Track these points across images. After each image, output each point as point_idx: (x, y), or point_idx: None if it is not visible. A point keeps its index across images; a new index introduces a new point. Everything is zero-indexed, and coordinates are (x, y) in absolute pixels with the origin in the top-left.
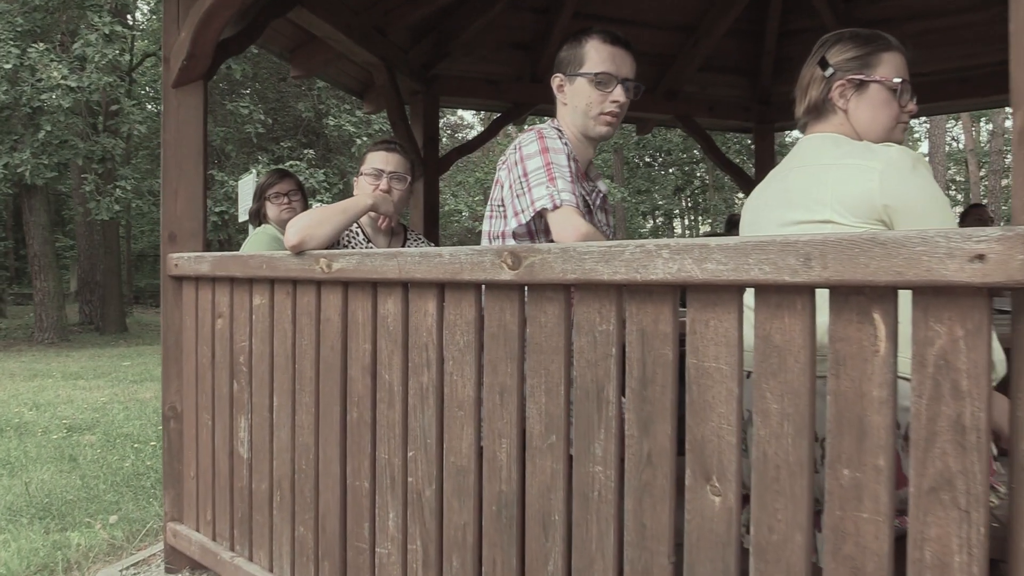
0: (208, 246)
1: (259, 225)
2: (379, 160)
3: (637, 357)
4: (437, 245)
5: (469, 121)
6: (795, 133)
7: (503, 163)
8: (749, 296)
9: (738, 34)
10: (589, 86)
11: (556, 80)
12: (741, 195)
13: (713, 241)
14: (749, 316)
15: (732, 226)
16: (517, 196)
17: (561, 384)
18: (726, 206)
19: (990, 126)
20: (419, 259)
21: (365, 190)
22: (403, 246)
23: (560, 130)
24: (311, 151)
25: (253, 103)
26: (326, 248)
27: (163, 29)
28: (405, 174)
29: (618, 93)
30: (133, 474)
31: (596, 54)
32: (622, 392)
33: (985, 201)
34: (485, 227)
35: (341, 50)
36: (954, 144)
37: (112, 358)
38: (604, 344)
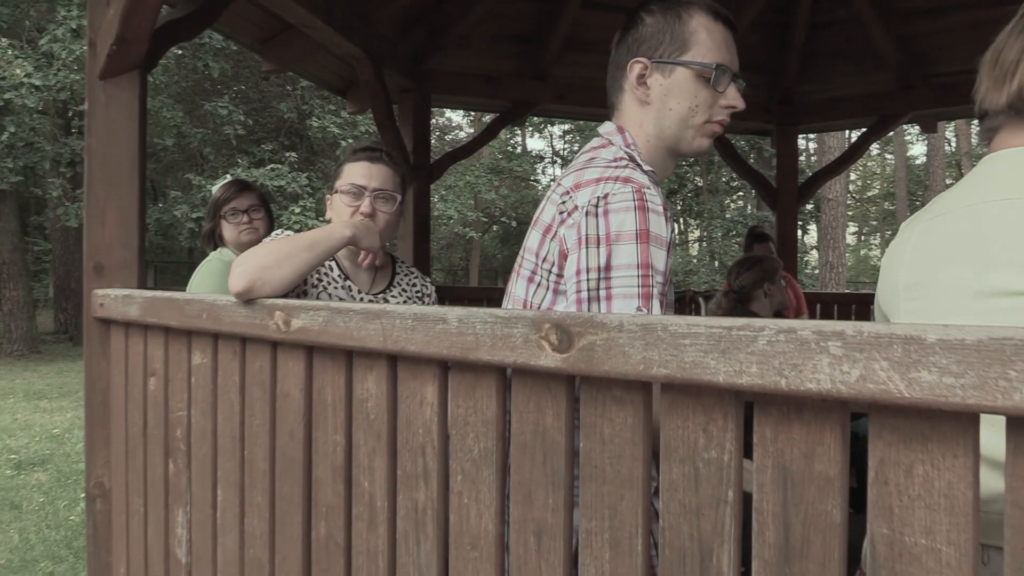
0: (190, 255)
1: (214, 248)
2: (360, 173)
3: (775, 510)
4: (428, 260)
5: (458, 122)
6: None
7: (567, 211)
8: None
9: (762, 26)
10: (697, 82)
11: (637, 67)
12: (741, 200)
13: (932, 332)
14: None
15: (756, 240)
16: (584, 291)
17: (638, 535)
18: (720, 209)
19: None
20: (413, 323)
21: (341, 213)
22: (390, 286)
23: (647, 171)
24: (294, 154)
25: (233, 103)
26: (285, 295)
27: (88, 3)
28: (394, 191)
29: (735, 95)
30: (79, 529)
31: (709, 37)
32: (744, 562)
33: None
34: (517, 289)
35: (320, 40)
36: (947, 148)
37: (81, 372)
38: (715, 481)
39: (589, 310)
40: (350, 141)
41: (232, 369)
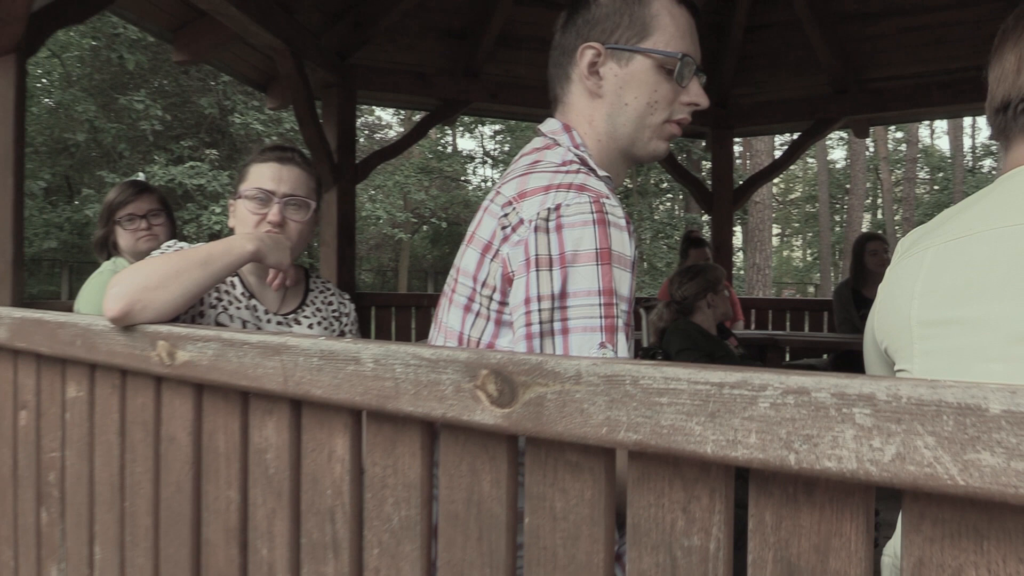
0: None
1: (107, 258)
2: (268, 176)
3: None
4: (352, 266)
5: (388, 120)
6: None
7: (511, 226)
8: None
9: (698, 27)
10: (658, 73)
11: (589, 53)
12: (670, 202)
13: (996, 400)
14: None
15: (691, 245)
16: (535, 324)
17: None
18: (649, 211)
19: (900, 134)
20: (319, 362)
21: (246, 222)
22: (302, 305)
23: (603, 176)
24: (215, 151)
25: (150, 97)
26: (173, 319)
27: None
28: (307, 197)
29: (698, 91)
30: None
31: (672, 22)
32: None
33: (898, 208)
34: (451, 320)
35: (236, 30)
36: (867, 152)
37: None
38: (696, 574)
39: (542, 347)
40: (274, 138)
41: (111, 405)
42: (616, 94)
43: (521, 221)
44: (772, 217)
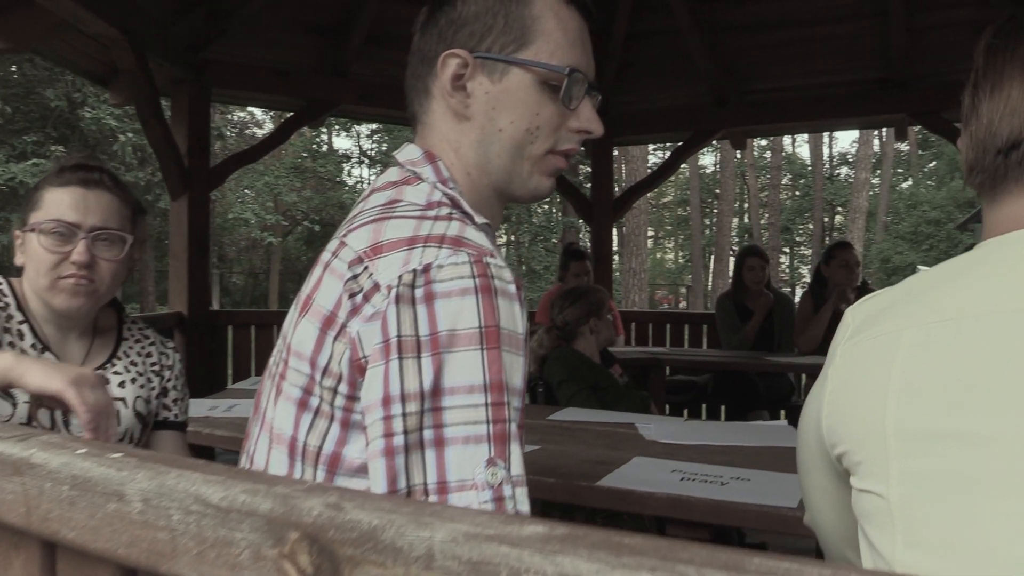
0: None
1: None
2: (70, 204)
3: None
4: (207, 282)
5: (261, 117)
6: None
7: (362, 293)
8: None
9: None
10: (540, 92)
11: (453, 64)
12: (547, 204)
13: None
14: None
15: (571, 258)
16: (398, 434)
17: None
18: (528, 214)
19: (764, 142)
20: (71, 492)
21: (40, 261)
22: (113, 358)
23: (481, 224)
24: (62, 147)
25: None
26: None
27: None
28: (120, 230)
29: (591, 115)
30: None
31: (559, 26)
32: None
33: (763, 212)
34: (279, 418)
35: (66, 17)
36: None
37: None
38: None
39: (407, 467)
40: (130, 135)
41: None
42: (487, 116)
43: (376, 287)
44: (647, 221)
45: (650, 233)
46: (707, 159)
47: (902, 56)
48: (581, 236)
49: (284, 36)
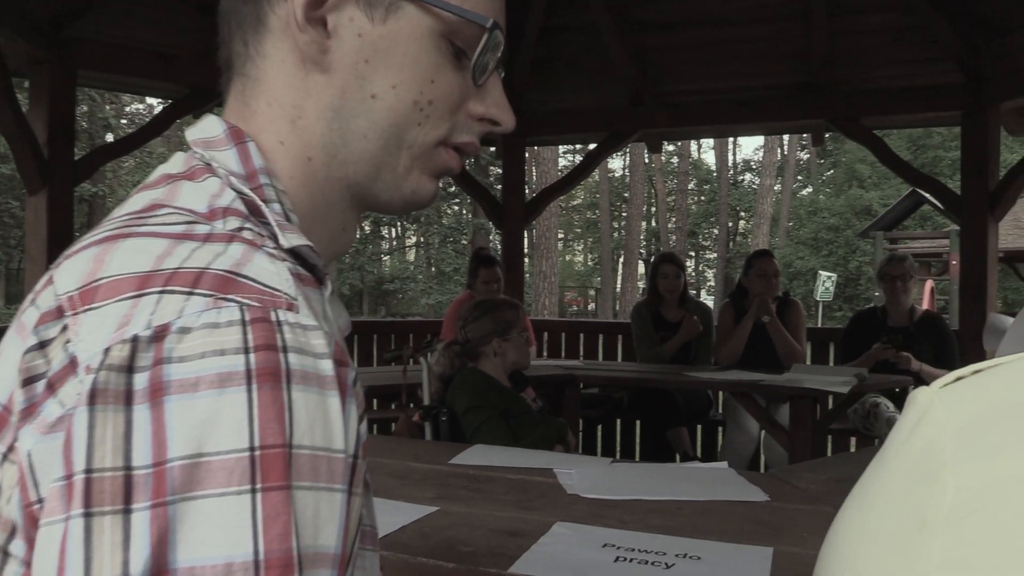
0: None
1: None
2: None
3: None
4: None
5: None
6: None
7: (46, 378)
8: None
9: None
10: (439, 50)
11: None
12: (458, 206)
13: None
14: None
15: (481, 264)
16: None
17: None
18: (438, 215)
19: (672, 147)
20: None
21: None
22: None
23: (300, 247)
24: None
25: None
26: None
27: None
28: None
29: (500, 98)
30: None
31: None
32: None
33: (671, 216)
34: None
35: None
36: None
37: None
38: None
39: None
40: None
41: None
42: (356, 72)
43: (72, 366)
44: (557, 224)
45: (560, 235)
46: (616, 163)
47: (822, 61)
48: (492, 239)
49: (166, 15)
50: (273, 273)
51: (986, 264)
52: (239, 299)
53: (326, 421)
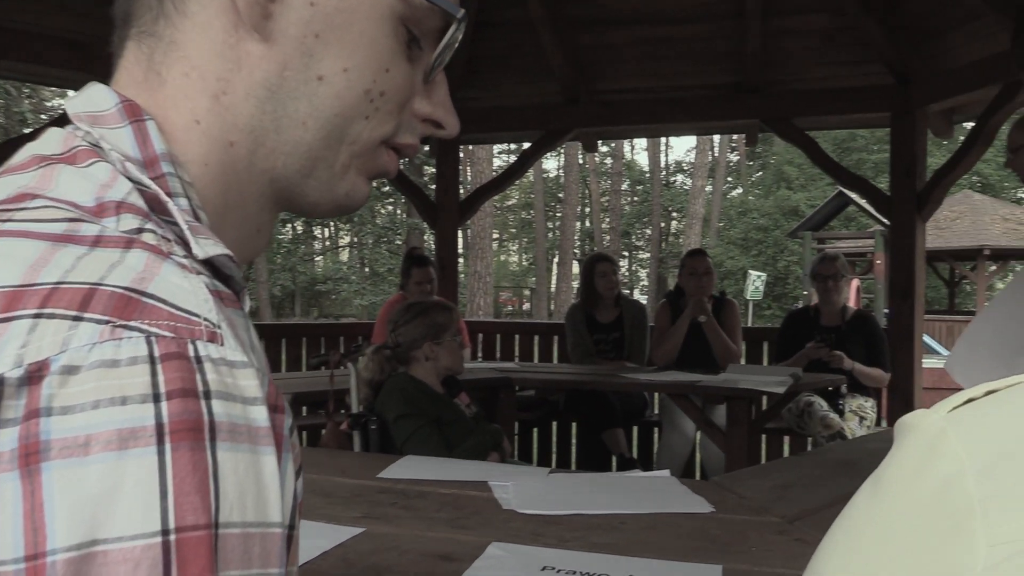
0: None
1: None
2: None
3: None
4: None
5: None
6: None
7: None
8: None
9: None
10: (397, 37)
11: None
12: (391, 205)
13: None
14: None
15: (413, 264)
16: None
17: None
18: (371, 215)
19: (606, 148)
20: None
21: None
22: None
23: (217, 256)
24: None
25: None
26: None
27: None
28: None
29: (445, 98)
30: None
31: None
32: None
33: (605, 217)
34: None
35: None
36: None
37: None
38: None
39: None
40: None
41: None
42: (302, 47)
43: None
44: (492, 223)
45: (495, 235)
46: (551, 163)
47: (756, 61)
48: (427, 238)
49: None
50: (187, 291)
51: (914, 264)
52: (145, 327)
53: (260, 488)
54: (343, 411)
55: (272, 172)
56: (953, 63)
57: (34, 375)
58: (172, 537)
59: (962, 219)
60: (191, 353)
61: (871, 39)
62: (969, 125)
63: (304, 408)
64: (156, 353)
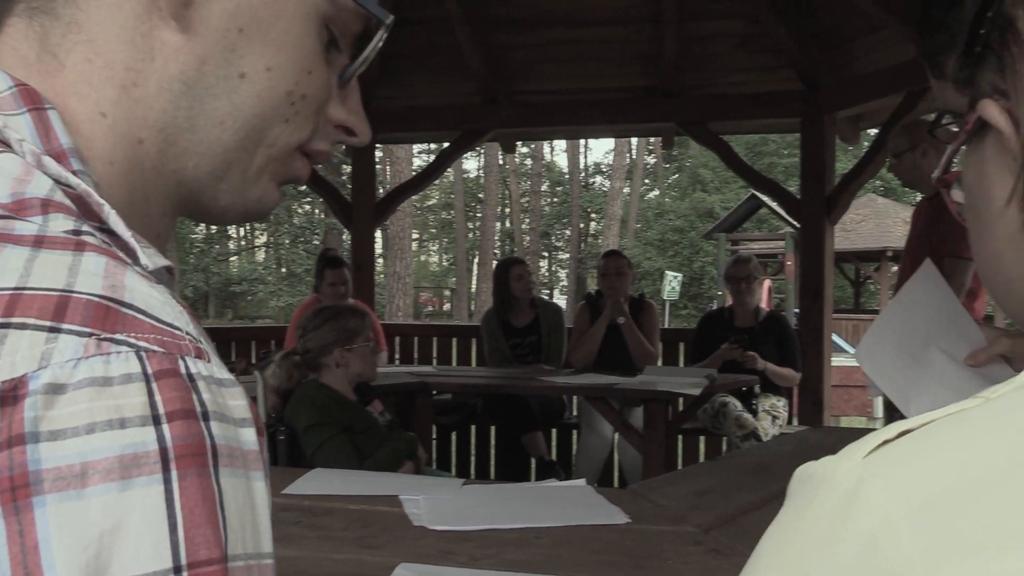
0: None
1: None
2: None
3: None
4: None
5: None
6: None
7: None
8: None
9: None
10: (320, 38)
11: None
12: (309, 205)
13: None
14: None
15: (327, 265)
16: None
17: None
18: (288, 214)
19: (526, 149)
20: None
21: None
22: None
23: (149, 271)
24: None
25: None
26: None
27: None
28: None
29: (359, 106)
30: None
31: None
32: None
33: (524, 217)
34: None
35: None
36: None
37: None
38: None
39: None
40: None
41: None
42: (225, 40)
43: None
44: (411, 223)
45: (415, 235)
46: (471, 163)
47: (672, 65)
48: (346, 238)
49: None
50: (162, 303)
51: (823, 266)
52: (133, 340)
53: (254, 516)
54: None
55: (182, 174)
56: (860, 71)
57: (9, 394)
58: (184, 575)
59: (867, 222)
60: (183, 370)
61: (783, 46)
62: (875, 131)
63: None
64: (149, 370)
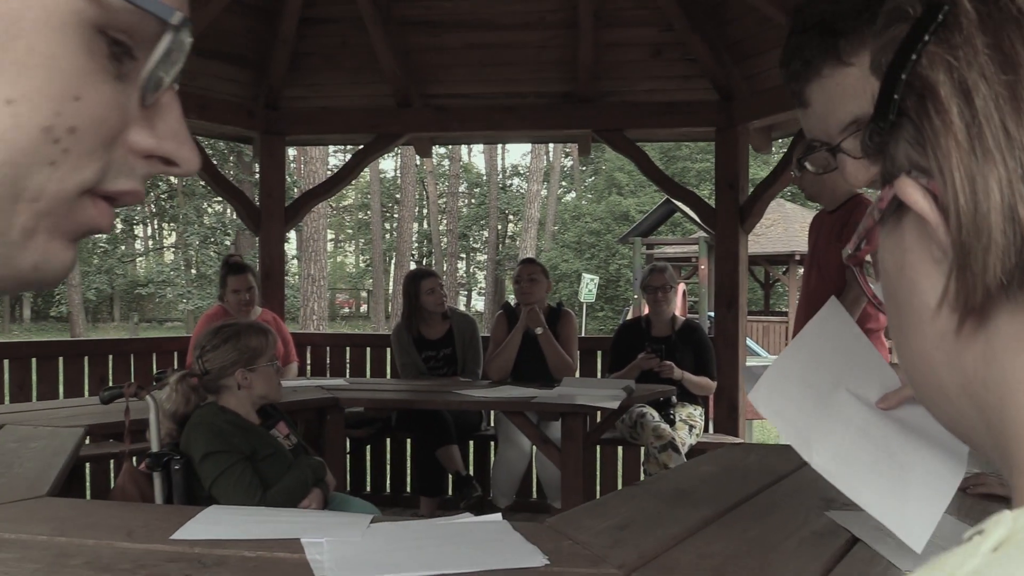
0: None
1: None
2: None
3: None
4: None
5: None
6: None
7: None
8: None
9: (244, 8)
10: (92, 48)
11: None
12: (220, 205)
13: None
14: None
15: (230, 271)
16: None
17: None
18: (197, 214)
19: (443, 150)
20: None
21: None
22: None
23: None
24: None
25: None
26: None
27: None
28: None
29: (180, 124)
30: None
31: None
32: None
33: (442, 219)
34: None
35: None
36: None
37: None
38: None
39: None
40: None
41: None
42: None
43: None
44: (327, 224)
45: (330, 236)
46: (388, 164)
47: (588, 71)
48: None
49: None
50: None
51: (738, 273)
52: None
53: None
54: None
55: None
56: (771, 82)
57: None
58: None
59: (776, 226)
60: None
61: (697, 55)
62: (787, 140)
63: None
64: None
